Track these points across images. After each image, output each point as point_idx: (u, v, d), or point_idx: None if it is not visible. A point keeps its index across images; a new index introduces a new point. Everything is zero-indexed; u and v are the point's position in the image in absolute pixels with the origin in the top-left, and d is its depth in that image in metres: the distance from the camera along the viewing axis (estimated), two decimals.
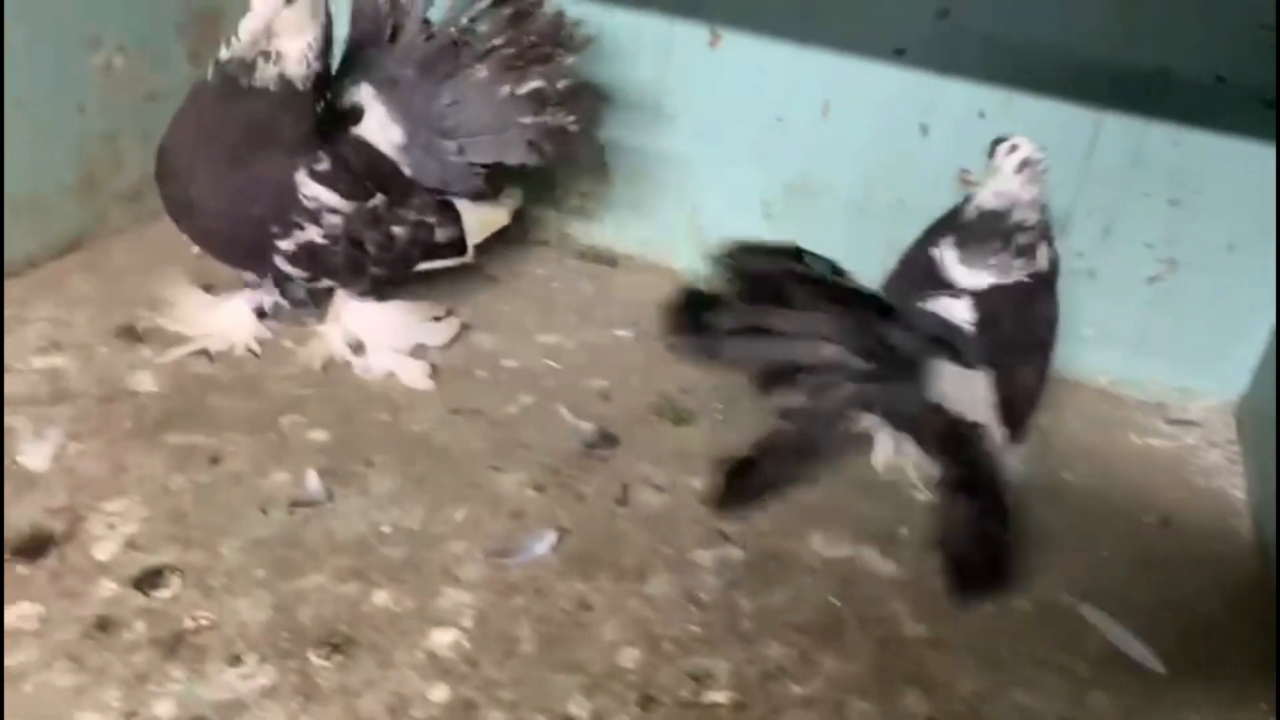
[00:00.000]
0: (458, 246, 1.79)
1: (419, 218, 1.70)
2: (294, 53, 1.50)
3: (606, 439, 1.60)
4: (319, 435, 1.53)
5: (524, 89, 1.72)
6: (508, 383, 1.73)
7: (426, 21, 1.70)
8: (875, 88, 1.90)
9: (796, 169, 2.00)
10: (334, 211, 1.59)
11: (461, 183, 1.77)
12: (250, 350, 1.69)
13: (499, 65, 1.71)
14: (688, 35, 1.99)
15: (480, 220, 1.82)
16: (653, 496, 1.50)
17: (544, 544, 1.37)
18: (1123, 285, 1.88)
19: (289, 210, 1.56)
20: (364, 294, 1.71)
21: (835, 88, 1.92)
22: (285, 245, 1.58)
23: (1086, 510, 1.61)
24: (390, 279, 1.72)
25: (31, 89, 1.72)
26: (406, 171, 1.71)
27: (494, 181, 1.82)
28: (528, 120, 1.73)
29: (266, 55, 1.49)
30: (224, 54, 1.50)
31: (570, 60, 1.75)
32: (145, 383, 1.58)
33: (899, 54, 1.87)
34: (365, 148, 1.67)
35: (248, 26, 1.47)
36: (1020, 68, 1.80)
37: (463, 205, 1.78)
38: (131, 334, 1.69)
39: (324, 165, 1.57)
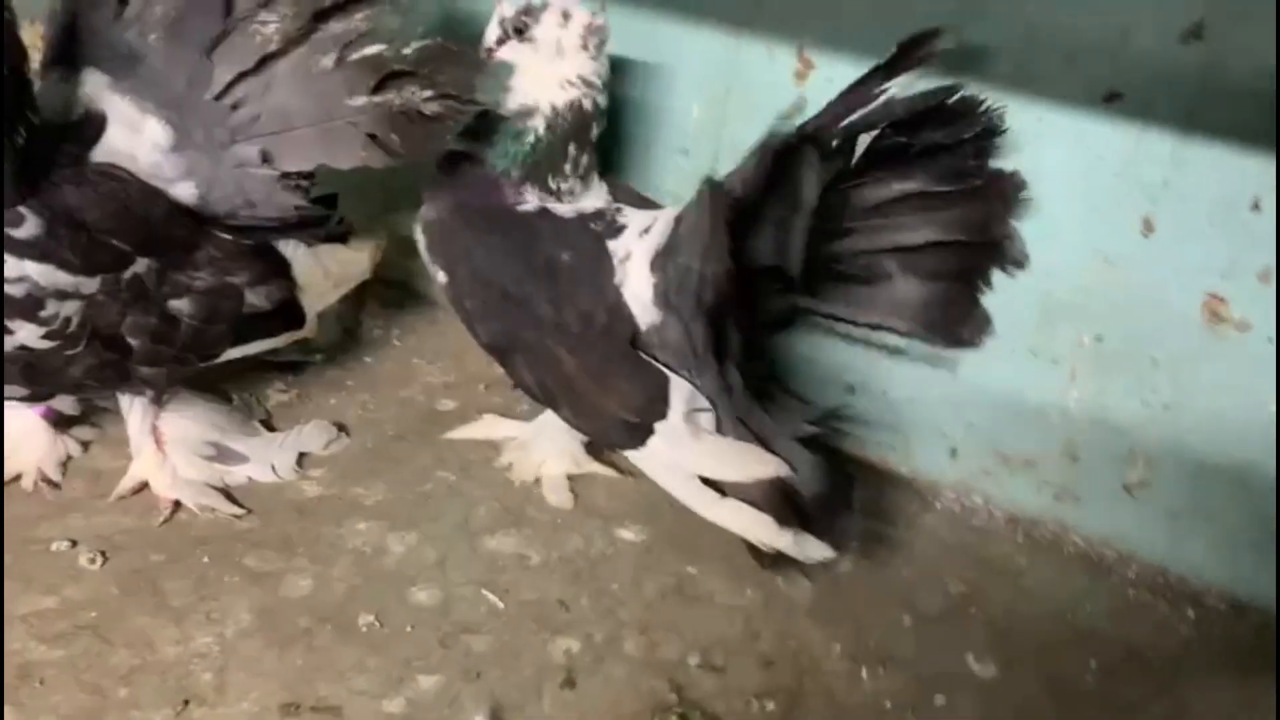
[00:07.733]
0: (287, 315, 1.26)
1: (217, 279, 1.18)
2: None
3: None
4: None
5: (354, 56, 1.17)
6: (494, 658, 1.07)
7: None
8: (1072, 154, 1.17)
9: None
10: (62, 296, 1.08)
11: (271, 204, 1.23)
12: (47, 480, 1.25)
13: (297, 11, 1.16)
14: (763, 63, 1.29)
15: (324, 270, 1.29)
16: None
17: None
18: None
19: None
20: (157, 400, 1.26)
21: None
22: None
23: None
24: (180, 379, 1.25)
25: None
26: (185, 198, 1.19)
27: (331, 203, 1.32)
28: (361, 101, 1.17)
29: None
30: None
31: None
32: None
33: (1111, 100, 1.13)
34: (113, 180, 1.14)
35: None
36: None
37: (293, 249, 1.27)
38: None
39: (29, 229, 1.05)
